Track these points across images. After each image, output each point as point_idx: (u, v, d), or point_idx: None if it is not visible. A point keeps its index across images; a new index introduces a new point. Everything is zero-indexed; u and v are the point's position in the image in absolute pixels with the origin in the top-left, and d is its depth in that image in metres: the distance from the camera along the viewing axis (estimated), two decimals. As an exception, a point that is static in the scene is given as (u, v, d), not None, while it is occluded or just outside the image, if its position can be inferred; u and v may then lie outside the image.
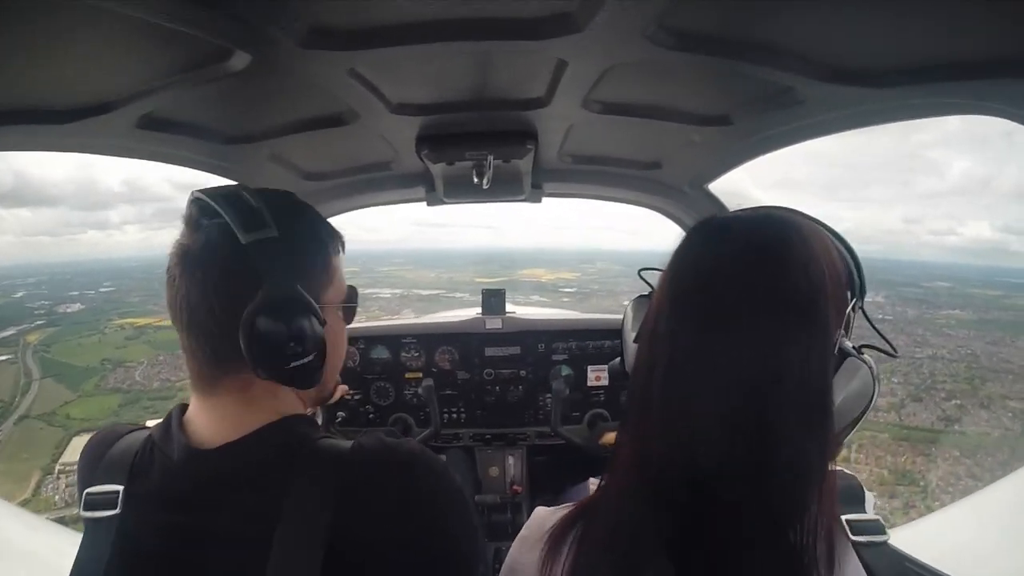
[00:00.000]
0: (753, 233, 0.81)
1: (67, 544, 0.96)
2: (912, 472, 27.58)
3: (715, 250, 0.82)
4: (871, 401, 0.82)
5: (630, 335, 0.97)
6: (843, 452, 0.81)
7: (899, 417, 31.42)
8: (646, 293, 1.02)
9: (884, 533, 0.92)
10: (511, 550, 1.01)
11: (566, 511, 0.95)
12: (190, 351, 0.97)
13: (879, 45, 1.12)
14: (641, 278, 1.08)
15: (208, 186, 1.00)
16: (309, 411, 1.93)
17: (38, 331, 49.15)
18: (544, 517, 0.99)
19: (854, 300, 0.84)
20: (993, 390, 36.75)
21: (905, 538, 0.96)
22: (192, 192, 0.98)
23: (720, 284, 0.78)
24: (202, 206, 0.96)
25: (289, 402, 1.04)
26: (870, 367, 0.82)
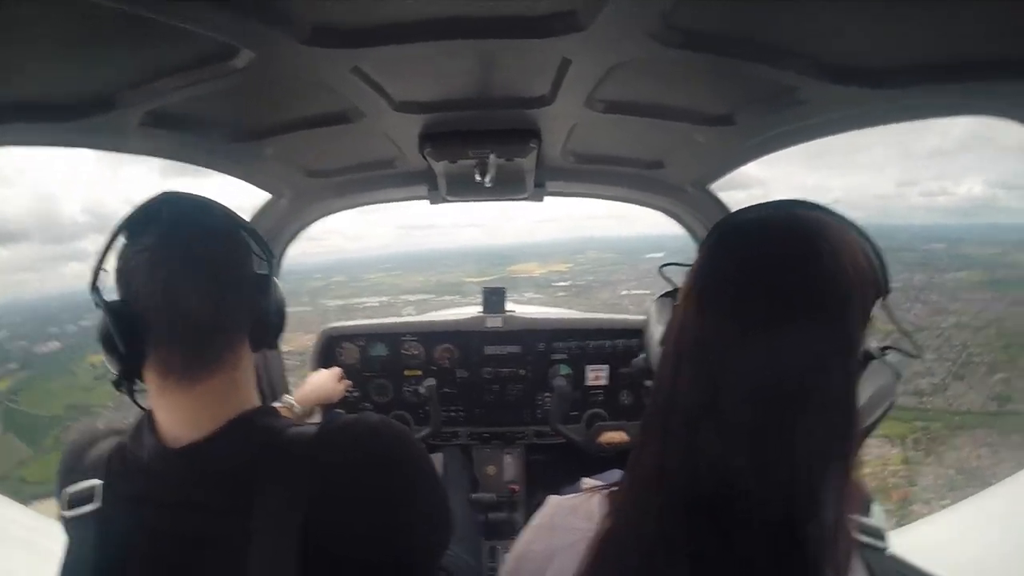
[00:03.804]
0: (784, 235, 0.80)
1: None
2: (981, 469, 25.31)
3: (746, 253, 0.81)
4: (891, 405, 0.82)
5: (655, 334, 0.96)
6: (901, 452, 0.80)
7: (947, 402, 29.67)
8: (669, 291, 1.01)
9: (885, 540, 0.92)
10: (522, 537, 1.01)
11: (581, 499, 0.94)
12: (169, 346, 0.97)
13: (883, 46, 1.13)
14: (663, 275, 1.07)
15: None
16: (310, 412, 1.94)
17: (9, 377, 45.96)
18: (558, 504, 0.99)
19: (879, 298, 0.83)
20: (1035, 357, 34.73)
21: (900, 543, 0.96)
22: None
23: (751, 288, 0.77)
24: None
25: (251, 396, 1.05)
26: (895, 370, 0.82)
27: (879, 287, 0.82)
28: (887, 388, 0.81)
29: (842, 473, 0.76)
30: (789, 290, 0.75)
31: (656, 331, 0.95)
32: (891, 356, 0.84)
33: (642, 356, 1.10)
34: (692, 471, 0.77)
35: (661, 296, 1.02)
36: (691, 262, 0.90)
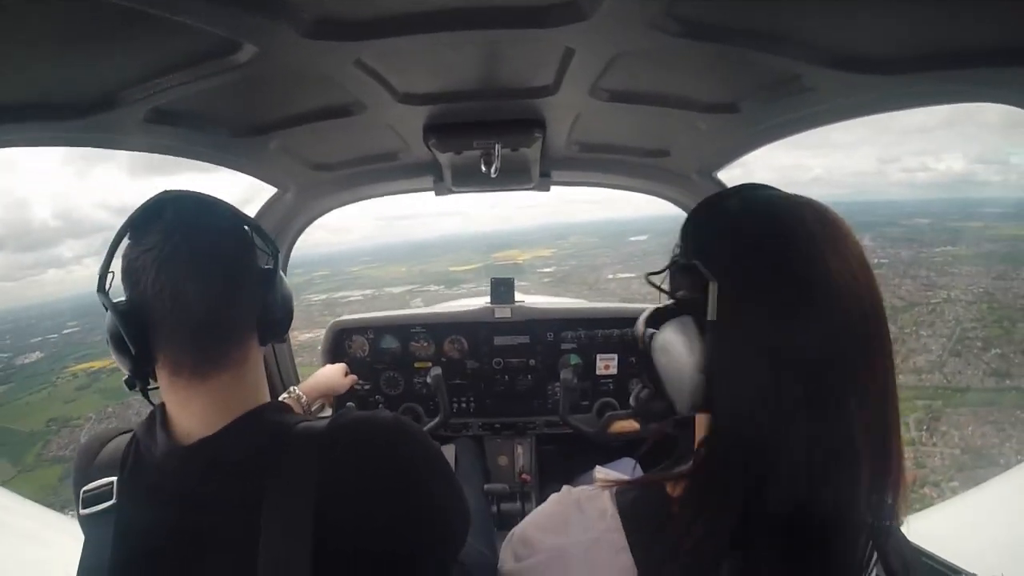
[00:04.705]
0: (811, 223, 0.79)
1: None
2: (987, 448, 24.27)
3: (791, 246, 0.78)
4: None
5: (685, 365, 0.82)
6: (905, 433, 0.81)
7: (945, 378, 28.65)
8: (674, 308, 0.88)
9: (900, 519, 0.91)
10: (531, 522, 1.01)
11: (593, 495, 0.93)
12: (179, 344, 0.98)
13: (886, 33, 1.12)
14: (653, 284, 0.94)
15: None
16: (317, 404, 1.96)
17: (-11, 392, 43.76)
18: (573, 499, 0.96)
19: None
20: (1027, 332, 33.76)
21: (911, 528, 0.95)
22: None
23: (801, 282, 0.76)
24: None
25: (261, 392, 1.08)
26: None
27: None
28: None
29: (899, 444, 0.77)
30: (829, 268, 0.75)
31: (689, 360, 0.82)
32: None
33: (642, 392, 1.02)
34: (764, 482, 0.75)
35: (674, 318, 0.86)
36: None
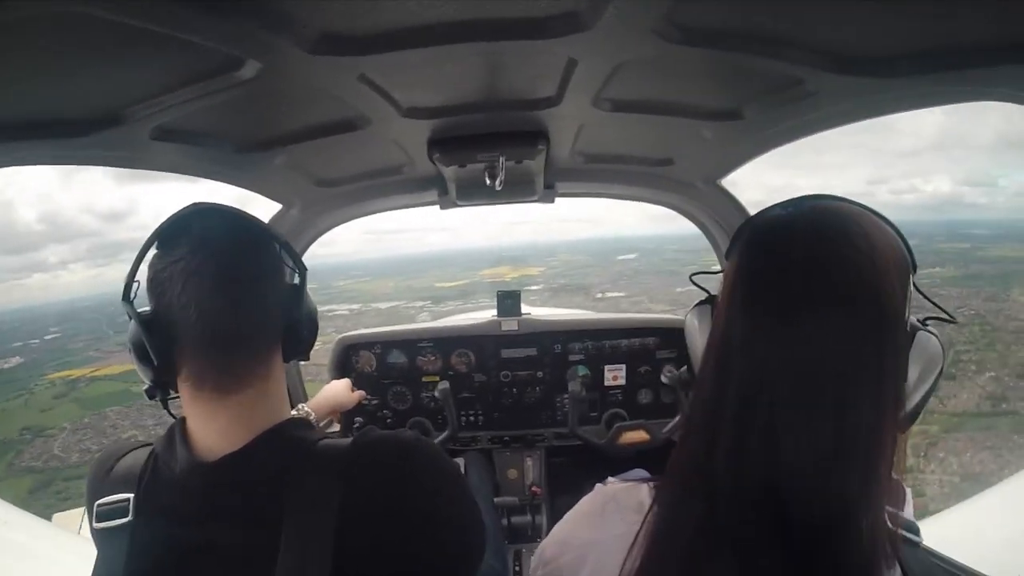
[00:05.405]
0: (816, 228, 0.81)
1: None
2: (985, 475, 24.06)
3: (782, 249, 0.82)
4: (942, 370, 0.84)
5: (698, 344, 0.96)
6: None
7: (940, 403, 28.51)
8: (704, 299, 1.02)
9: (918, 535, 0.91)
10: (566, 522, 1.01)
11: (631, 489, 0.94)
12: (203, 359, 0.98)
13: (888, 34, 1.12)
14: (694, 283, 1.09)
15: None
16: (325, 420, 1.96)
17: (-34, 397, 42.43)
18: (609, 493, 0.98)
19: (910, 274, 0.84)
20: (1022, 354, 33.68)
21: (929, 533, 0.95)
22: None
23: (793, 282, 0.78)
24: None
25: (283, 408, 1.08)
26: (939, 338, 0.84)
27: (909, 264, 0.83)
28: (936, 357, 0.83)
29: (887, 463, 0.76)
30: (830, 280, 0.77)
31: (701, 340, 0.95)
32: (932, 326, 0.86)
33: (683, 369, 1.11)
34: (740, 462, 0.78)
35: (698, 305, 1.02)
36: (718, 268, 0.94)
